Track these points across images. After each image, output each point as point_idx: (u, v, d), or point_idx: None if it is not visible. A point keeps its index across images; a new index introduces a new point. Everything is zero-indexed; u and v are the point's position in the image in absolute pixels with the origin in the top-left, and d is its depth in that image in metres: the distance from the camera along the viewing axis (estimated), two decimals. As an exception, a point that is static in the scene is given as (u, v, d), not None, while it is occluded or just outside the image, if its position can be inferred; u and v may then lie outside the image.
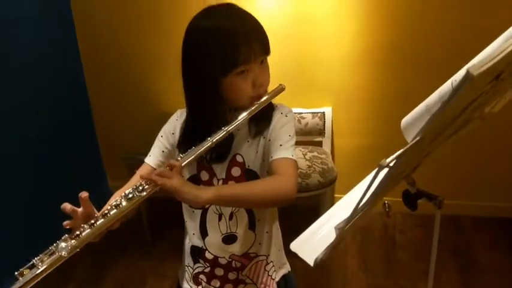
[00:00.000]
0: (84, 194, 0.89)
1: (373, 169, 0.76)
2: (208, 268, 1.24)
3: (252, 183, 1.11)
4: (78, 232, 0.86)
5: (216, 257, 1.21)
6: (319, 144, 2.81)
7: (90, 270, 2.56)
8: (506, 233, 2.70)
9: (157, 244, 2.73)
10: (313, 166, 2.53)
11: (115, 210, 0.90)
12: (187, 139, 1.11)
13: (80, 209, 0.89)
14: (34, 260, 0.81)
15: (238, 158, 1.14)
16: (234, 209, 1.17)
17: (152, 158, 1.16)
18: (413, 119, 1.03)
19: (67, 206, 0.88)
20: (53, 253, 0.83)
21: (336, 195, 2.79)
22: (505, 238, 2.66)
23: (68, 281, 2.46)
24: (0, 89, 2.24)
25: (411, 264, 2.46)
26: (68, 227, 0.88)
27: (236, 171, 1.15)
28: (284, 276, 1.30)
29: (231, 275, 1.23)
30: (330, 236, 0.95)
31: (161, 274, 2.46)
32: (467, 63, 0.89)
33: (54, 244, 0.84)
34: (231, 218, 1.18)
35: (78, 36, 2.88)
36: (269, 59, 1.11)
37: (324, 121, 2.75)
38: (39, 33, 2.55)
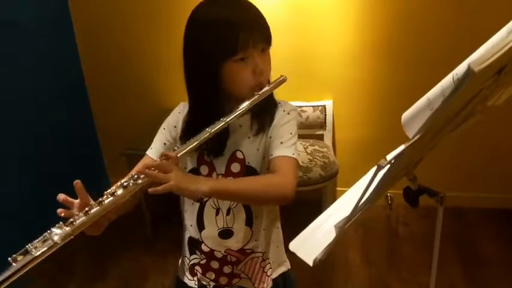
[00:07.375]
0: (77, 182, 0.88)
1: (375, 162, 0.74)
2: (204, 260, 1.24)
3: (249, 179, 1.10)
4: (72, 219, 0.85)
5: (212, 250, 1.21)
6: (321, 137, 2.79)
7: (92, 265, 2.56)
8: (511, 225, 2.67)
9: (159, 239, 2.73)
10: (315, 160, 2.51)
11: (110, 198, 0.89)
12: (189, 131, 1.10)
13: (76, 200, 0.89)
14: (28, 246, 0.81)
15: (239, 154, 1.14)
16: (231, 204, 1.17)
17: (154, 151, 1.17)
18: (414, 114, 1.01)
19: (61, 196, 0.87)
20: (46, 240, 0.82)
21: (338, 189, 2.78)
22: (509, 230, 2.63)
23: (70, 276, 2.46)
24: (0, 87, 2.24)
25: (414, 257, 2.45)
26: (62, 215, 0.87)
27: (236, 167, 1.14)
28: (283, 274, 1.29)
29: (226, 269, 1.23)
30: (329, 235, 0.94)
31: (163, 269, 2.46)
32: (468, 56, 0.87)
33: (48, 231, 0.83)
34: (228, 213, 1.17)
35: (77, 34, 2.89)
36: (270, 52, 1.09)
37: (325, 114, 2.73)
38: (38, 33, 2.56)
